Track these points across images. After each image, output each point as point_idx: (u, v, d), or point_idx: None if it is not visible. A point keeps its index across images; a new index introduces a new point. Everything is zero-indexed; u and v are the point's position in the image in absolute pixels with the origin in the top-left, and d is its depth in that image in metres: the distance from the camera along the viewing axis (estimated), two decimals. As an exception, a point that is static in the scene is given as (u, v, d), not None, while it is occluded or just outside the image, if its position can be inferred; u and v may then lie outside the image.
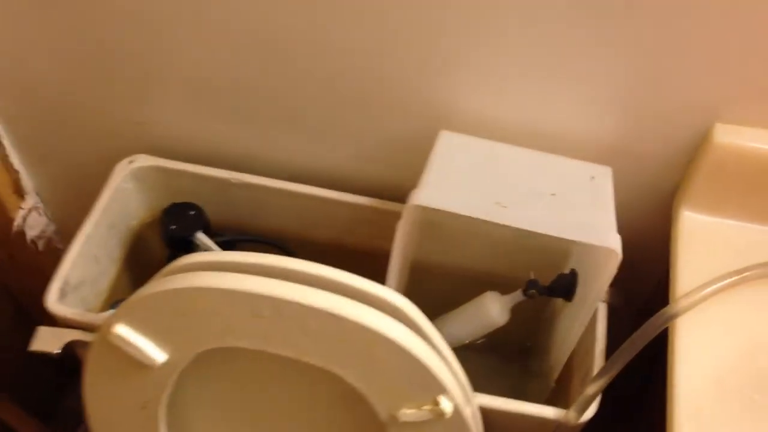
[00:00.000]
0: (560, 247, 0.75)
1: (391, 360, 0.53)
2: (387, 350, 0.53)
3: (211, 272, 0.53)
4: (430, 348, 0.54)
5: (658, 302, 0.76)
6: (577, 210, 0.60)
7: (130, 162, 0.76)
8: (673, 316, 0.59)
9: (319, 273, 0.53)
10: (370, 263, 0.85)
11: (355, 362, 0.54)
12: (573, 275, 0.69)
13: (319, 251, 0.83)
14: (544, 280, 0.71)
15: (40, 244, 0.91)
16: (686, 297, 0.60)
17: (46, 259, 0.91)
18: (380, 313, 0.53)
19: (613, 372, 0.60)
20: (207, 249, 0.73)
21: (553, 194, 0.61)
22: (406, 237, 0.63)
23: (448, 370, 0.56)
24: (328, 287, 0.53)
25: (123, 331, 0.55)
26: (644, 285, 0.78)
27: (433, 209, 0.59)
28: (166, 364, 0.56)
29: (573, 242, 0.73)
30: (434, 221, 0.75)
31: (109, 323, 0.56)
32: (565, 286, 0.69)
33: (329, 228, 0.81)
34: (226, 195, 0.78)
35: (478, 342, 0.75)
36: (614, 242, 0.57)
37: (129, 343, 0.55)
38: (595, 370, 0.64)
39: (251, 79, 0.70)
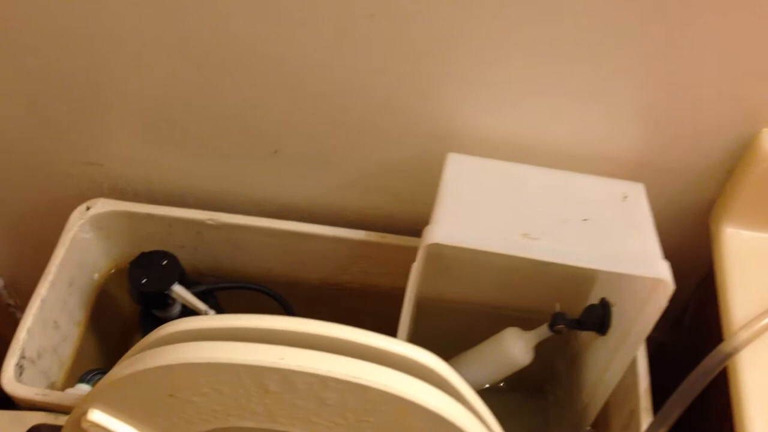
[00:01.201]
0: (584, 274, 0.68)
1: (426, 429, 0.46)
2: (421, 419, 0.45)
3: (199, 342, 0.45)
4: (466, 410, 0.47)
5: (690, 320, 0.70)
6: (614, 236, 0.54)
7: (87, 208, 0.68)
8: (733, 352, 0.53)
9: (332, 334, 0.46)
10: (370, 303, 0.78)
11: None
12: (605, 306, 0.63)
13: (310, 293, 0.76)
14: (568, 311, 0.65)
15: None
16: (746, 328, 0.54)
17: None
18: (408, 376, 0.45)
19: (669, 423, 0.54)
20: (186, 303, 0.64)
21: (585, 219, 0.54)
22: (420, 278, 0.56)
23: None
24: (345, 350, 0.45)
25: (99, 417, 0.47)
26: (672, 303, 0.72)
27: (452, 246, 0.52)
28: (152, 454, 0.48)
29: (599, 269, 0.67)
30: (446, 255, 0.68)
31: (82, 407, 0.47)
32: (598, 319, 0.63)
33: (321, 267, 0.73)
34: (201, 238, 0.70)
35: (500, 385, 0.68)
36: (664, 272, 0.51)
37: (107, 431, 0.47)
38: (642, 410, 0.58)
39: (222, 104, 0.62)
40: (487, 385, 0.68)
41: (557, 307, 0.65)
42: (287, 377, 0.44)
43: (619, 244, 0.53)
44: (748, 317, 0.54)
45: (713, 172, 0.60)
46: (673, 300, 0.75)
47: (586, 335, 0.69)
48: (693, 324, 0.71)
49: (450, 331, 0.72)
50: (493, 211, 0.55)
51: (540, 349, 0.67)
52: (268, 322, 0.46)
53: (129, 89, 0.62)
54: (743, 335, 0.53)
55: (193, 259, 0.72)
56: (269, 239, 0.70)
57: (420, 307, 0.75)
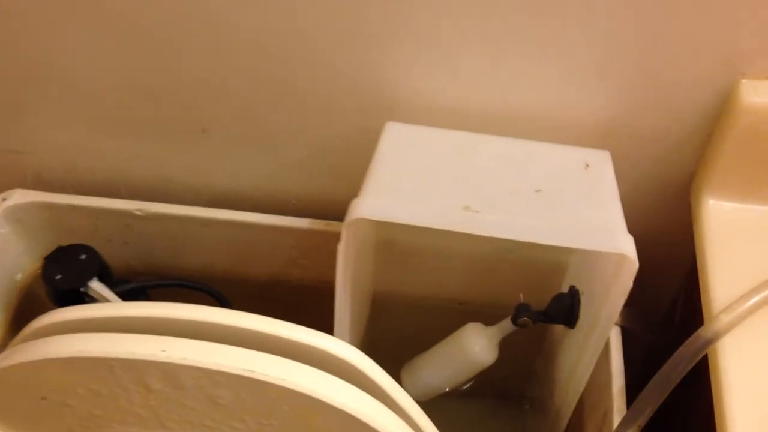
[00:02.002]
0: (553, 260, 0.62)
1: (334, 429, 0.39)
2: (333, 421, 0.39)
3: (69, 335, 0.39)
4: (391, 412, 0.41)
5: (681, 314, 0.63)
6: (571, 208, 0.47)
7: (3, 200, 0.62)
8: (714, 338, 0.46)
9: (226, 322, 0.40)
10: (327, 301, 0.72)
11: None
12: (573, 295, 0.56)
13: (258, 291, 0.69)
14: (539, 304, 0.58)
15: None
16: (727, 311, 0.47)
17: None
18: (314, 369, 0.39)
19: (643, 419, 0.47)
20: (103, 301, 0.58)
21: (538, 190, 0.48)
22: (351, 263, 0.50)
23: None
24: (241, 341, 0.39)
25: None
26: (660, 296, 0.65)
27: (385, 223, 0.46)
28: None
29: (570, 251, 0.60)
30: (391, 241, 0.62)
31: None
32: (565, 309, 0.56)
33: (268, 261, 0.67)
34: (131, 231, 0.64)
35: (463, 388, 0.61)
36: (626, 245, 0.44)
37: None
38: (615, 411, 0.51)
39: (143, 76, 0.56)
40: (448, 388, 0.61)
41: (521, 298, 0.58)
42: (171, 372, 0.38)
43: (576, 216, 0.46)
44: (732, 299, 0.47)
45: (690, 137, 0.53)
46: (661, 294, 0.68)
47: (559, 330, 0.62)
48: (684, 320, 0.64)
49: (410, 331, 0.66)
50: (432, 183, 0.48)
51: (515, 349, 0.60)
52: (150, 310, 0.40)
53: (47, 66, 0.57)
54: (725, 319, 0.46)
55: (124, 255, 0.66)
56: (208, 231, 0.64)
57: (376, 304, 0.68)
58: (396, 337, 0.69)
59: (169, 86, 0.57)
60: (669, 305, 0.65)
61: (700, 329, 0.47)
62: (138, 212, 0.63)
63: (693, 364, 0.47)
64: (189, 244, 0.66)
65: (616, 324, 0.57)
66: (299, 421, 0.39)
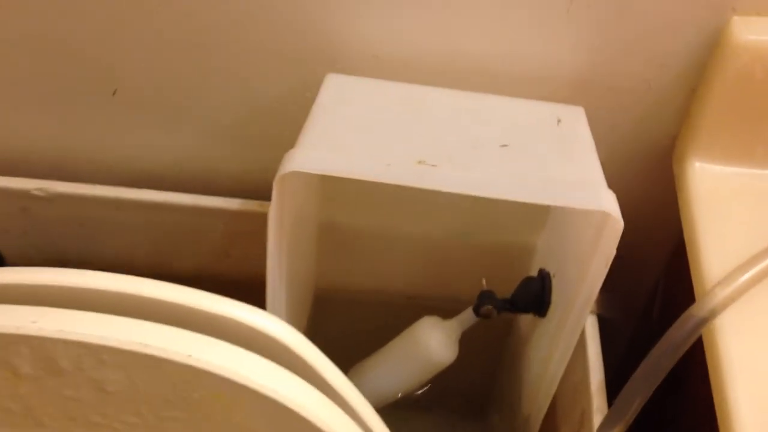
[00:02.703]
0: (518, 243, 0.56)
1: (263, 425, 0.32)
2: (253, 409, 0.31)
3: None
4: (332, 403, 0.33)
5: (660, 305, 0.57)
6: (543, 163, 0.41)
7: None
8: (710, 316, 0.40)
9: (118, 289, 0.32)
10: (259, 302, 0.64)
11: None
12: (543, 278, 0.50)
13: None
14: (504, 294, 0.51)
15: None
16: (723, 284, 0.41)
17: None
18: (241, 349, 0.31)
19: (630, 415, 0.40)
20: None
21: (504, 145, 0.41)
22: (285, 237, 0.43)
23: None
24: (139, 312, 0.31)
25: None
26: (637, 285, 0.59)
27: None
28: None
29: (538, 231, 0.54)
30: (332, 224, 0.55)
31: None
32: (534, 295, 0.49)
33: (194, 252, 0.59)
34: (29, 217, 0.56)
35: (418, 394, 0.54)
36: (608, 202, 0.38)
37: None
38: (595, 410, 0.44)
39: (46, 29, 0.49)
40: (401, 394, 0.53)
41: (483, 285, 0.51)
42: (44, 351, 0.30)
43: (550, 171, 0.40)
44: (727, 271, 0.41)
45: (673, 91, 0.48)
46: (640, 282, 0.62)
47: (527, 322, 0.56)
48: (665, 312, 0.58)
49: (358, 331, 0.58)
50: (379, 135, 0.41)
51: (477, 346, 0.53)
52: (26, 276, 0.32)
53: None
54: (721, 293, 0.40)
55: (24, 246, 0.57)
56: (122, 216, 0.56)
57: (321, 301, 0.61)
58: (341, 338, 0.62)
59: (70, 38, 0.49)
60: (647, 296, 0.59)
61: (692, 306, 0.41)
62: (38, 192, 0.55)
63: (686, 347, 0.41)
64: (101, 232, 0.58)
65: (592, 312, 0.50)
66: (213, 414, 0.31)
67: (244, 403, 0.30)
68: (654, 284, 0.57)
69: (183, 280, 0.62)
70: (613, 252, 0.39)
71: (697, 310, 0.40)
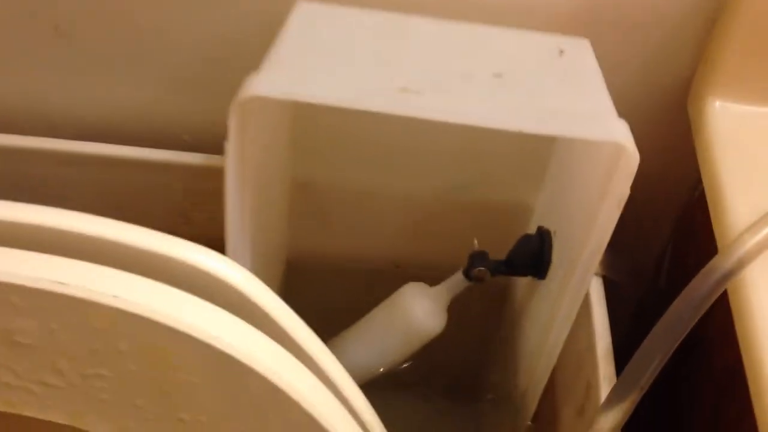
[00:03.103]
0: (515, 200, 0.50)
1: (205, 380, 0.26)
2: (200, 367, 0.26)
3: None
4: (304, 369, 0.28)
5: (676, 264, 0.52)
6: (544, 93, 0.36)
7: None
8: (736, 268, 0.35)
9: (34, 221, 0.27)
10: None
11: (146, 400, 0.27)
12: (542, 236, 0.45)
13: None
14: (499, 255, 0.46)
15: None
16: (753, 231, 0.35)
17: None
18: (179, 291, 0.26)
19: (641, 387, 0.35)
20: None
21: (498, 74, 0.36)
22: (247, 182, 0.37)
23: (345, 412, 0.29)
24: (65, 249, 0.26)
25: None
26: (649, 242, 0.54)
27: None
28: None
29: (538, 184, 0.49)
30: (306, 182, 0.50)
31: None
32: (533, 255, 0.44)
33: (150, 215, 0.53)
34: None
35: (402, 367, 0.49)
36: (620, 132, 0.33)
37: None
38: (602, 379, 0.39)
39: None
40: (383, 368, 0.48)
41: (475, 245, 0.46)
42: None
43: (549, 101, 0.35)
44: (754, 217, 0.36)
45: (690, 22, 0.43)
46: (647, 244, 0.57)
47: (525, 287, 0.50)
48: (673, 276, 0.53)
49: (340, 303, 0.53)
50: (357, 61, 0.36)
51: (469, 316, 0.48)
52: None
53: None
54: (751, 240, 0.35)
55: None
56: (71, 172, 0.51)
57: (294, 270, 0.56)
58: (319, 312, 0.56)
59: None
60: (655, 259, 0.54)
61: (716, 258, 0.36)
62: (-27, 144, 0.49)
63: (708, 304, 0.35)
64: (47, 193, 0.52)
65: (597, 274, 0.45)
66: (145, 370, 0.26)
67: (183, 355, 0.25)
68: (663, 246, 0.52)
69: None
70: (627, 192, 0.34)
71: (721, 262, 0.35)
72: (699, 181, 0.42)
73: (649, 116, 0.47)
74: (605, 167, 0.35)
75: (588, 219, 0.38)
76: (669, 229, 0.51)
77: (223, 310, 0.26)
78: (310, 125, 0.46)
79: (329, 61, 0.36)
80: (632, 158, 0.33)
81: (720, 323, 0.39)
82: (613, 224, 0.36)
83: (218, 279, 0.27)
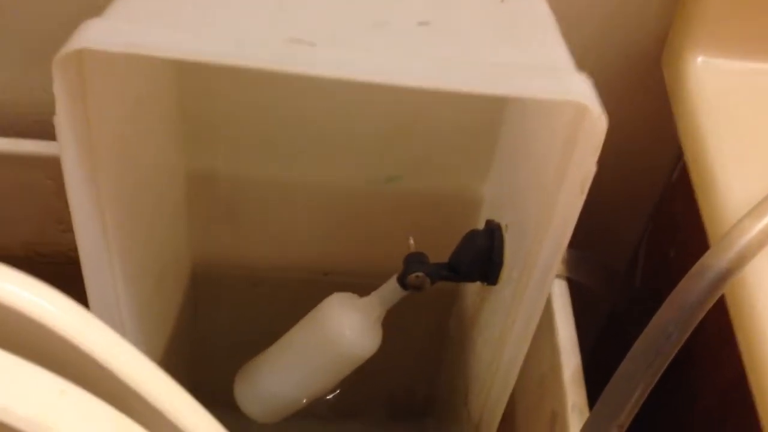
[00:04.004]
0: (459, 191, 0.43)
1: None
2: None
3: None
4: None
5: (643, 267, 0.45)
6: (478, 45, 0.28)
7: None
8: (734, 267, 0.28)
9: None
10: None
11: None
12: (492, 231, 0.37)
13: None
14: (442, 256, 0.38)
15: None
16: (754, 215, 0.28)
17: None
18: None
19: (619, 425, 0.27)
20: None
21: (423, 23, 0.28)
22: (99, 171, 0.29)
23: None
24: None
25: None
26: (620, 237, 0.46)
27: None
28: None
29: (484, 174, 0.41)
30: (209, 175, 0.42)
31: None
32: (481, 255, 0.37)
33: (19, 221, 0.47)
34: None
35: (329, 397, 0.41)
36: (580, 89, 0.25)
37: None
38: (570, 409, 0.32)
39: None
40: (306, 399, 0.40)
41: (411, 245, 0.38)
42: None
43: (489, 54, 0.27)
44: (753, 199, 0.29)
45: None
46: (616, 242, 0.50)
47: (474, 294, 0.43)
48: (649, 277, 0.46)
49: (259, 317, 0.46)
50: (230, 8, 0.28)
51: (409, 332, 0.40)
52: None
53: None
54: (753, 229, 0.27)
55: None
56: None
57: (203, 281, 0.48)
58: (233, 330, 0.49)
59: None
60: (627, 263, 0.47)
61: (708, 253, 0.28)
62: None
63: (702, 313, 0.28)
64: None
65: (560, 276, 0.38)
66: None
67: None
68: (637, 237, 0.45)
69: (8, 262, 0.48)
70: (592, 169, 0.27)
71: (716, 258, 0.28)
72: (680, 157, 0.35)
73: (617, 79, 0.40)
74: (564, 138, 0.28)
75: (546, 207, 0.30)
76: (644, 218, 0.44)
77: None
78: (204, 100, 0.38)
79: (194, 8, 0.27)
80: (597, 123, 0.25)
81: (714, 333, 0.32)
82: (577, 212, 0.29)
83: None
